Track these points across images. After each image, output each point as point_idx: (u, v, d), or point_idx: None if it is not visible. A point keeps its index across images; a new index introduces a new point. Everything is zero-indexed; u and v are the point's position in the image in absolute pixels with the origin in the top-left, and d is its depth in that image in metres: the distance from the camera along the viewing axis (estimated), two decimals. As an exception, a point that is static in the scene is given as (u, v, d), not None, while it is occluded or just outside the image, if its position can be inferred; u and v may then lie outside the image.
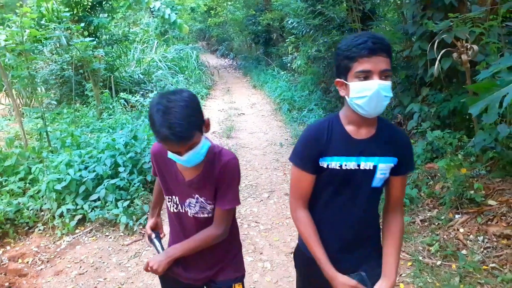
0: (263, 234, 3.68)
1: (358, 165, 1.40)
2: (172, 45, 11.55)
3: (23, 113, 7.52)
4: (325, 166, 1.42)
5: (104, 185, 3.83)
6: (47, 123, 5.09)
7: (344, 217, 1.47)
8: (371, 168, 1.40)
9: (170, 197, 1.58)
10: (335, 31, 7.25)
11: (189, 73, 11.24)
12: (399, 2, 6.30)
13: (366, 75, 1.27)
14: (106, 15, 8.16)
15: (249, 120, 8.32)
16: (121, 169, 4.03)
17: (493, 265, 2.85)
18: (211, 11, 19.97)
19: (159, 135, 1.30)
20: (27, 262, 3.30)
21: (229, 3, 18.26)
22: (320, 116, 7.22)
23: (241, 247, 1.76)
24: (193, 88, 10.40)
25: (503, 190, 3.44)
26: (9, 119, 7.60)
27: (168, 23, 8.95)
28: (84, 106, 7.25)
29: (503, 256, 2.90)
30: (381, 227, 1.59)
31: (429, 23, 4.11)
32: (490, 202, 3.37)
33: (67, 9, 7.44)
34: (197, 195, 1.52)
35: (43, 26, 7.17)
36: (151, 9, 9.39)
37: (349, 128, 1.42)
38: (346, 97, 1.36)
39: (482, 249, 3.03)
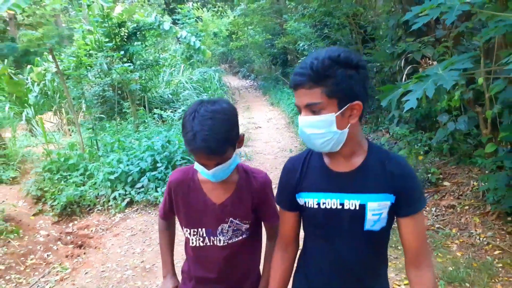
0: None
1: (342, 204, 1.20)
2: (197, 68, 12.98)
3: (72, 128, 8.99)
4: (302, 203, 1.28)
5: (146, 176, 5.06)
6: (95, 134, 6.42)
7: (336, 267, 1.27)
8: (357, 208, 1.19)
9: (195, 230, 1.46)
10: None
11: (212, 93, 12.60)
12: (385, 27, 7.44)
13: (299, 110, 1.19)
14: (139, 43, 9.62)
15: (265, 132, 9.50)
16: (159, 164, 5.26)
17: (439, 225, 3.84)
18: (232, 35, 21.53)
19: (191, 145, 1.26)
20: (92, 230, 4.52)
21: (250, 27, 19.77)
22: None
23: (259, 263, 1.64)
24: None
25: (455, 174, 4.44)
26: (59, 133, 9.04)
27: (193, 49, 10.38)
28: (123, 121, 8.63)
29: (447, 220, 3.90)
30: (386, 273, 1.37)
31: (402, 44, 5.22)
32: (445, 183, 4.38)
33: (107, 40, 8.95)
34: (231, 218, 1.44)
35: (87, 55, 8.68)
36: (178, 37, 10.82)
37: (328, 160, 1.25)
38: None
39: (433, 217, 4.03)
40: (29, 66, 9.92)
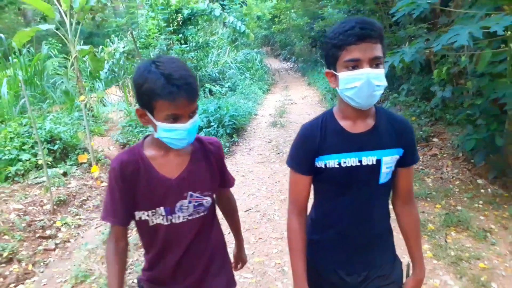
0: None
1: (360, 161, 1.35)
2: (241, 50, 14.60)
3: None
4: (322, 166, 1.38)
5: (203, 131, 6.74)
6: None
7: (352, 219, 1.42)
8: (375, 163, 1.35)
9: (153, 210, 1.37)
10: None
11: (254, 73, 14.18)
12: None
13: (355, 64, 1.23)
14: (193, 27, 11.29)
15: (299, 107, 10.96)
16: (212, 124, 6.93)
17: (422, 168, 5.22)
18: (275, 19, 22.78)
19: (166, 89, 1.17)
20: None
21: (292, 10, 20.93)
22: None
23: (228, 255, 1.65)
24: (256, 84, 13.30)
25: (443, 132, 5.76)
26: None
27: (238, 33, 11.95)
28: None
29: (429, 163, 5.27)
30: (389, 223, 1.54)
31: (410, 29, 6.50)
32: (434, 139, 5.72)
33: (165, 24, 10.68)
34: (190, 192, 1.38)
35: (146, 37, 10.44)
36: (224, 22, 12.40)
37: (345, 123, 1.37)
38: (337, 88, 1.31)
39: (420, 162, 5.40)
40: (100, 47, 11.88)
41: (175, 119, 1.24)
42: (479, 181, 4.55)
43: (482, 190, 4.39)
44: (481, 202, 4.17)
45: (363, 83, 1.22)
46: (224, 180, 1.56)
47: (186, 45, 10.08)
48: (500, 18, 3.18)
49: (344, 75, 1.25)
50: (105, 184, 5.31)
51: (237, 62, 13.40)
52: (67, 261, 3.58)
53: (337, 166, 1.36)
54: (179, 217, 1.40)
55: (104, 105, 10.60)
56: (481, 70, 4.21)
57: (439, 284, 2.87)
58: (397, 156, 1.39)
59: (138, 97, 1.27)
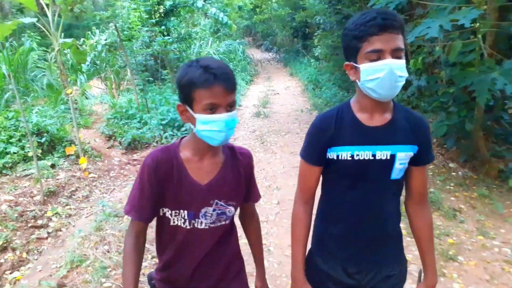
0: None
1: (374, 155, 1.33)
2: (223, 41, 14.67)
3: (119, 92, 10.92)
4: (334, 157, 1.37)
5: (187, 122, 6.89)
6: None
7: (362, 214, 1.40)
8: (389, 158, 1.33)
9: (177, 211, 1.38)
10: (348, 26, 9.90)
11: (237, 64, 14.29)
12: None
13: (377, 55, 1.22)
14: (175, 18, 11.32)
15: (282, 97, 11.18)
16: (196, 114, 7.08)
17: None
18: (256, 9, 22.86)
19: (202, 77, 1.21)
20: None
21: (273, 0, 21.03)
22: (335, 92, 9.90)
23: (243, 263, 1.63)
24: (239, 75, 13.43)
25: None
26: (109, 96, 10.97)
27: (220, 24, 12.02)
28: (163, 86, 10.48)
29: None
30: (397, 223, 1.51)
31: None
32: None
33: (147, 16, 10.69)
34: (216, 200, 1.39)
35: (129, 29, 10.45)
36: (206, 13, 12.44)
37: (361, 115, 1.36)
38: (357, 81, 1.29)
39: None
40: (82, 39, 11.80)
41: (212, 109, 1.24)
42: (451, 164, 4.85)
43: (453, 173, 4.70)
44: (452, 184, 4.47)
45: (386, 73, 1.21)
46: (249, 193, 1.54)
47: (169, 37, 10.13)
48: (468, 12, 3.43)
49: (366, 66, 1.24)
50: (93, 175, 5.43)
51: (220, 53, 13.50)
52: (60, 248, 3.71)
53: (350, 158, 1.34)
54: (201, 223, 1.40)
55: (87, 98, 10.60)
56: (453, 60, 4.47)
57: (411, 258, 3.13)
58: (411, 153, 1.36)
59: (179, 92, 1.30)
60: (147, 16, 10.72)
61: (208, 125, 1.26)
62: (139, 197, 1.35)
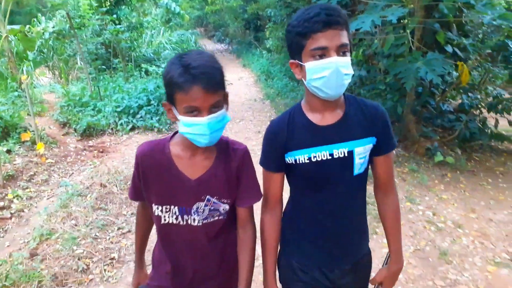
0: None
1: (331, 154, 1.31)
2: (175, 31, 14.80)
3: (70, 80, 10.82)
4: (293, 161, 1.35)
5: (143, 110, 7.13)
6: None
7: (331, 214, 1.39)
8: (346, 155, 1.31)
9: (167, 207, 1.36)
10: (297, 19, 10.48)
11: (189, 54, 14.52)
12: None
13: (322, 53, 1.18)
14: (126, 7, 11.34)
15: (236, 88, 11.59)
16: (152, 102, 7.33)
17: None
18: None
19: (182, 77, 1.14)
20: (107, 145, 6.59)
21: (225, -9, 21.21)
22: (286, 82, 10.45)
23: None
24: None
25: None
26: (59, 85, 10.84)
27: (172, 13, 12.20)
28: (114, 74, 10.53)
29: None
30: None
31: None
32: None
33: (97, 4, 10.65)
34: (208, 196, 1.35)
35: (80, 17, 10.39)
36: (158, 3, 12.57)
37: (313, 116, 1.34)
38: (303, 79, 1.27)
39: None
40: (27, 26, 11.48)
41: (193, 112, 1.19)
42: (387, 145, 5.52)
43: (388, 152, 5.37)
44: (387, 161, 5.13)
45: (331, 72, 1.18)
46: (241, 194, 1.42)
47: (120, 26, 10.19)
48: (395, 9, 4.03)
49: (311, 65, 1.21)
50: (50, 160, 5.58)
51: (172, 43, 13.64)
52: (25, 227, 3.92)
53: (308, 161, 1.32)
54: (194, 220, 1.37)
55: (35, 87, 10.42)
56: (387, 51, 5.11)
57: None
58: (371, 145, 1.35)
59: (165, 89, 1.27)
60: (97, 4, 10.68)
61: (190, 128, 1.22)
62: (133, 183, 1.45)
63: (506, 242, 3.48)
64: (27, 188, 4.71)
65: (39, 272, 2.95)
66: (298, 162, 1.34)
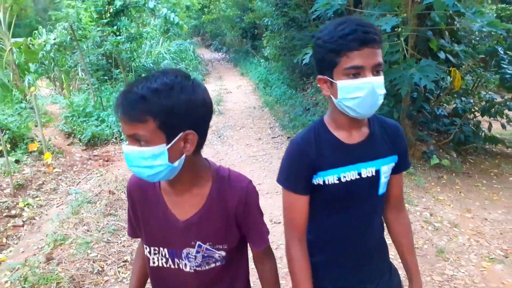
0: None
1: (359, 174, 1.27)
2: (173, 41, 15.05)
3: (71, 91, 11.02)
4: (321, 182, 1.27)
5: (146, 119, 7.29)
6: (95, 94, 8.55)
7: (354, 234, 1.33)
8: (374, 174, 1.28)
9: (156, 248, 1.20)
10: (293, 28, 10.74)
11: (188, 63, 14.75)
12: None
13: (357, 72, 1.13)
14: (125, 18, 11.57)
15: (234, 96, 11.81)
16: (154, 111, 7.49)
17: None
18: (204, 9, 23.24)
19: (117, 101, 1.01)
20: (111, 154, 6.76)
21: (221, 1, 21.52)
22: (284, 90, 10.65)
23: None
24: (191, 75, 13.84)
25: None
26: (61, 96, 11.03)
27: (171, 23, 12.42)
28: (115, 85, 10.73)
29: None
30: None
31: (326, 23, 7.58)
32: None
33: (97, 16, 10.87)
34: (198, 242, 1.15)
35: (81, 29, 10.61)
36: (156, 14, 12.79)
37: (340, 134, 1.27)
38: (332, 97, 1.20)
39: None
40: (29, 38, 11.70)
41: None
42: (384, 149, 5.71)
43: (386, 156, 5.56)
44: (385, 164, 5.32)
45: (367, 92, 1.13)
46: (251, 238, 1.25)
47: (120, 37, 10.41)
48: (389, 19, 4.24)
49: (344, 84, 1.15)
50: (57, 170, 5.75)
51: (171, 52, 13.88)
52: (38, 233, 4.08)
53: (337, 181, 1.26)
54: (185, 265, 1.19)
55: (38, 98, 10.61)
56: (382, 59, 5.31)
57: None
58: (393, 164, 1.33)
59: None
60: (97, 16, 10.90)
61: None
62: (128, 216, 1.31)
63: (500, 239, 3.67)
64: (36, 196, 4.88)
65: (56, 274, 3.11)
66: (327, 183, 1.27)
